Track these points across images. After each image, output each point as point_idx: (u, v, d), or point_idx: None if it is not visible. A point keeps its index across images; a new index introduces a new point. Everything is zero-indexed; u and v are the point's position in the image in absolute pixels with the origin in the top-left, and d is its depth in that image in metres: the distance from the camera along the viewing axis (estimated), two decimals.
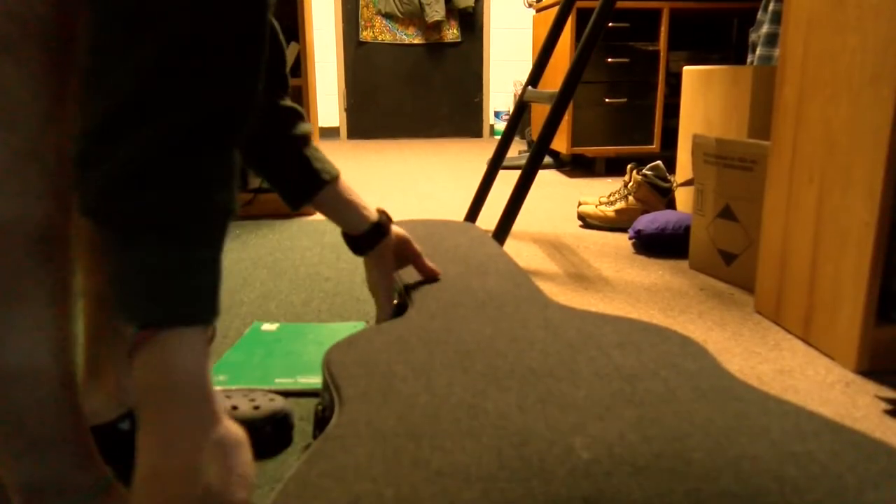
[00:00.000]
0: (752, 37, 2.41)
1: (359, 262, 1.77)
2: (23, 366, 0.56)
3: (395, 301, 0.89)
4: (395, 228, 0.96)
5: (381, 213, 0.94)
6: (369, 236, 0.93)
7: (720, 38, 3.69)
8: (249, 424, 0.85)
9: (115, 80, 0.47)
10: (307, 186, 0.89)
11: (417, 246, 0.98)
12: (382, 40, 5.34)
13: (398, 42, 5.36)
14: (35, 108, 0.53)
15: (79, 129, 0.48)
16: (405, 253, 0.97)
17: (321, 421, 0.62)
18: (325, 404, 0.62)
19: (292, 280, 1.64)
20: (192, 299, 0.50)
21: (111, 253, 0.49)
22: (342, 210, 0.93)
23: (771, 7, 2.26)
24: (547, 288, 1.58)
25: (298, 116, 0.90)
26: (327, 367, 0.62)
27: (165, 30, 0.47)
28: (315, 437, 0.62)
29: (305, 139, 0.90)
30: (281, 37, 0.89)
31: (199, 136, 0.49)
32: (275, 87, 0.89)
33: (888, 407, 1.01)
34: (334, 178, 0.91)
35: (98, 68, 0.48)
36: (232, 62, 0.50)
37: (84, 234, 0.72)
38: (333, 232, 2.11)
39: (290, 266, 1.75)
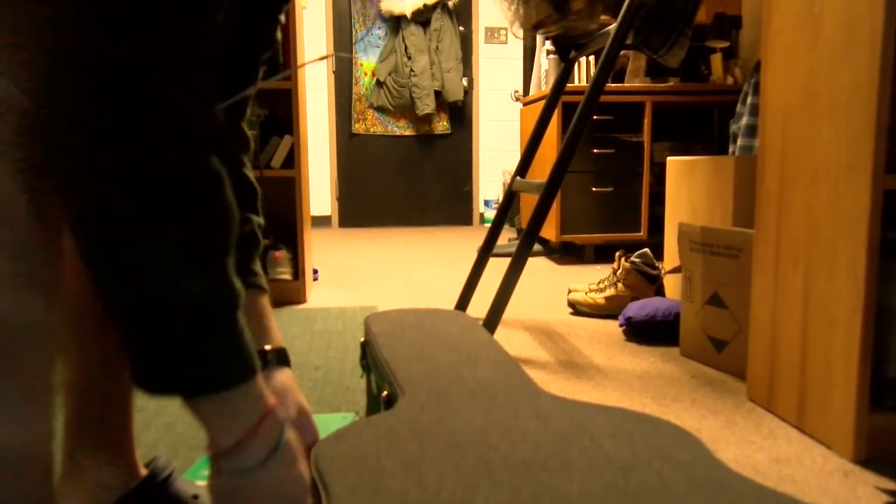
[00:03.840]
0: (733, 128, 2.50)
1: (349, 350, 1.75)
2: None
3: (385, 392, 0.88)
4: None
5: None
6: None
7: (702, 129, 3.81)
8: None
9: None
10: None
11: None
12: (374, 132, 5.48)
13: (390, 134, 5.51)
14: (21, 203, 0.53)
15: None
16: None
17: None
18: (313, 501, 0.60)
19: None
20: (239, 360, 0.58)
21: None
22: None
23: (749, 100, 2.35)
24: (538, 376, 1.57)
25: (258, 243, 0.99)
26: (315, 462, 0.61)
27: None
28: None
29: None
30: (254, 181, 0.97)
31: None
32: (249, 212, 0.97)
33: (890, 499, 0.99)
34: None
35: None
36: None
37: (67, 327, 0.72)
38: (324, 320, 2.10)
39: None
